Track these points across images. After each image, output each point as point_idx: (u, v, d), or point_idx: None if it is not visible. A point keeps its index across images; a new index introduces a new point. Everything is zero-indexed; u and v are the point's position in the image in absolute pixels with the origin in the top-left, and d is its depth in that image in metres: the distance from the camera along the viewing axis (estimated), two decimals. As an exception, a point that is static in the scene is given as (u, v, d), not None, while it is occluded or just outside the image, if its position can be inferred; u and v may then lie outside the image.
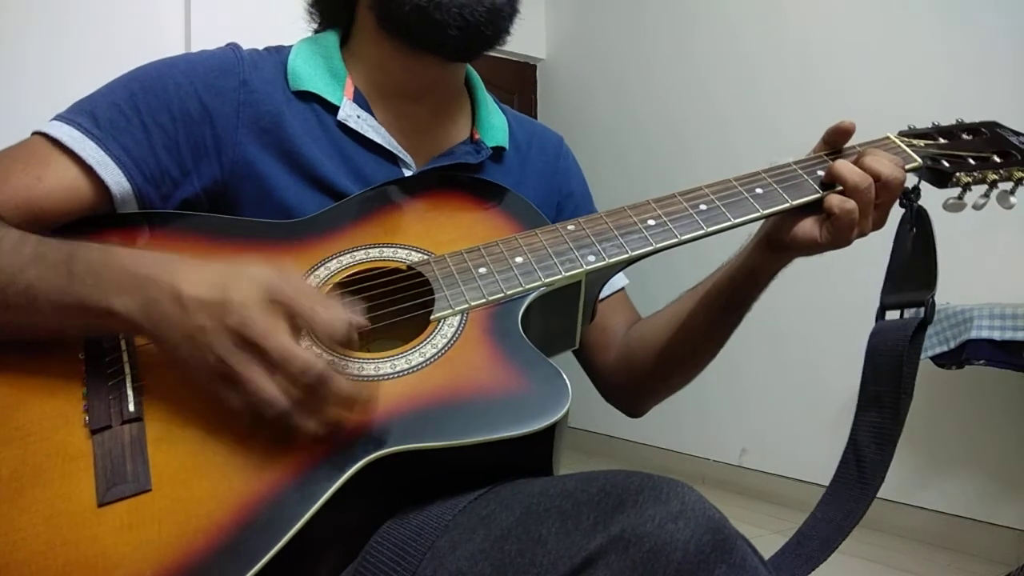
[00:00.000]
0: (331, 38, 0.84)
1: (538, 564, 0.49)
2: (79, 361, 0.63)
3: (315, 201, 0.76)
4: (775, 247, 0.77)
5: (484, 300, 0.67)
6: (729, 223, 0.73)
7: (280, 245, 0.72)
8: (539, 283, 0.69)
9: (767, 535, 2.24)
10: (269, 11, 1.93)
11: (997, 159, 0.80)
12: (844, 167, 0.73)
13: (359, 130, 0.79)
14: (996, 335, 1.87)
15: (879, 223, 0.75)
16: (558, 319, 0.73)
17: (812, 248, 0.75)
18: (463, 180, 0.82)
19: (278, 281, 0.57)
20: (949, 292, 1.91)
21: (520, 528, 0.52)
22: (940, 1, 2.43)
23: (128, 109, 0.73)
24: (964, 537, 2.32)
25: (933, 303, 0.73)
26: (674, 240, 0.72)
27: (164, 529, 0.53)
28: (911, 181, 0.77)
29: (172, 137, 0.73)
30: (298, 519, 0.53)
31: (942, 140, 0.82)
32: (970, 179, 0.79)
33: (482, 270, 0.70)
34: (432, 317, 0.66)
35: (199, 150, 0.74)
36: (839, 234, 0.72)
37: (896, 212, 0.77)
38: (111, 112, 0.72)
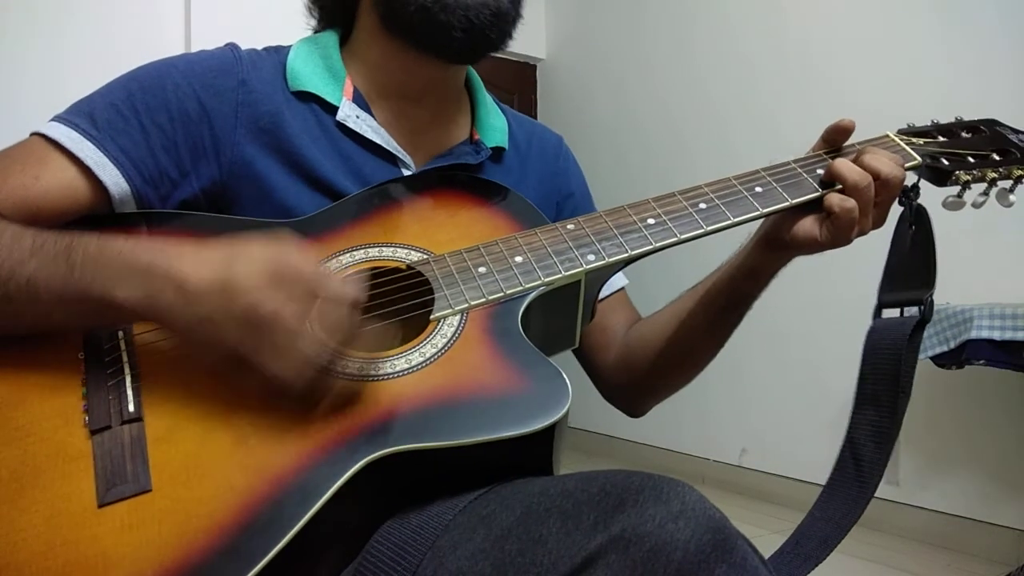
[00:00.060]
0: (330, 38, 0.84)
1: (538, 564, 0.49)
2: (78, 360, 0.63)
3: (314, 201, 0.76)
4: (775, 246, 0.77)
5: (484, 299, 0.67)
6: (729, 222, 0.73)
7: None
8: (539, 282, 0.69)
9: (767, 535, 2.24)
10: (269, 11, 1.93)
11: (996, 157, 0.80)
12: (844, 166, 0.73)
13: (358, 130, 0.79)
14: (996, 335, 1.87)
15: (879, 222, 0.75)
16: (558, 318, 0.73)
17: (812, 247, 0.75)
18: (463, 179, 0.82)
19: (279, 257, 0.58)
20: (949, 292, 1.91)
21: (520, 528, 0.52)
22: (940, 1, 2.43)
23: (126, 110, 0.73)
24: (964, 537, 2.32)
25: (931, 302, 0.73)
26: (674, 239, 0.72)
27: (164, 529, 0.53)
28: (910, 179, 0.77)
29: (170, 138, 0.73)
30: (299, 519, 0.53)
31: (941, 138, 0.82)
32: (969, 177, 0.79)
33: (482, 269, 0.70)
34: (432, 317, 0.66)
35: (198, 150, 0.74)
36: (839, 233, 0.72)
37: (895, 210, 0.77)
38: (109, 113, 0.72)
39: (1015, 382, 2.14)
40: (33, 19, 2.11)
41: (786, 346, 2.78)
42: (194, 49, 0.80)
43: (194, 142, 0.74)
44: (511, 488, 0.59)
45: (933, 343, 2.00)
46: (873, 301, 0.78)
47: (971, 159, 0.80)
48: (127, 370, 0.62)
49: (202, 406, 0.60)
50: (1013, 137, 0.82)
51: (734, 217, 0.73)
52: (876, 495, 0.69)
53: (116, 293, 0.59)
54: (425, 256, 0.72)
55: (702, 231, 0.72)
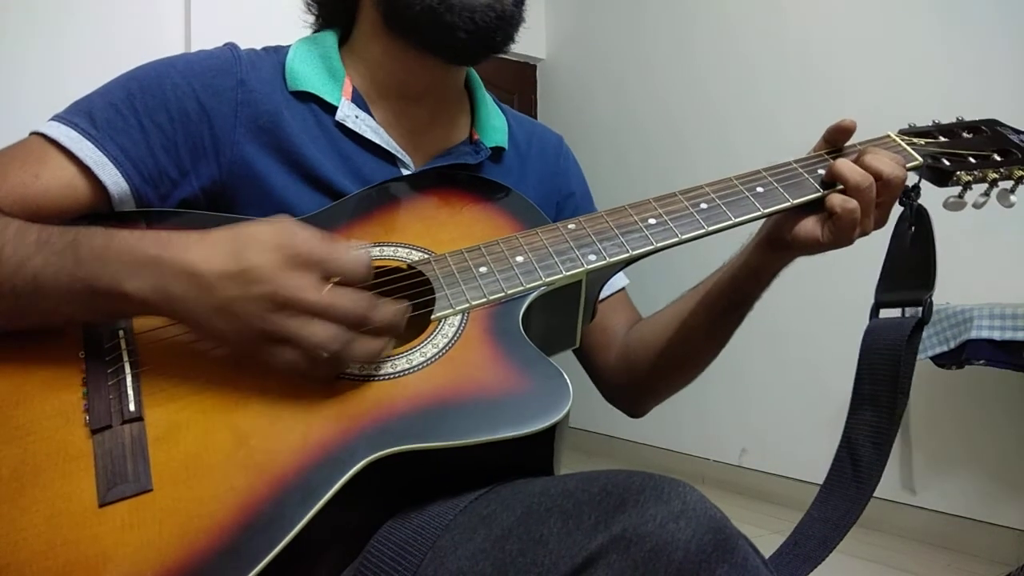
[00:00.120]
0: (330, 38, 0.84)
1: (539, 564, 0.49)
2: (79, 359, 0.63)
3: (314, 200, 0.76)
4: (776, 246, 0.77)
5: (485, 299, 0.67)
6: (730, 222, 0.73)
7: None
8: (540, 282, 0.69)
9: (767, 535, 2.24)
10: (269, 11, 1.93)
11: (997, 157, 0.80)
12: (845, 166, 0.73)
13: (357, 130, 0.79)
14: (996, 335, 1.87)
15: (881, 222, 0.75)
16: (559, 318, 0.73)
17: (814, 247, 0.75)
18: (463, 178, 0.82)
19: (289, 238, 0.59)
20: (949, 292, 1.92)
21: (521, 528, 0.52)
22: (940, 1, 2.43)
23: (126, 109, 0.73)
24: (964, 537, 2.32)
25: (931, 303, 0.73)
26: (675, 239, 0.72)
27: (165, 529, 0.53)
28: (911, 180, 0.77)
29: (170, 137, 0.73)
30: (299, 519, 0.53)
31: (942, 138, 0.82)
32: (970, 178, 0.79)
33: (483, 269, 0.70)
34: (433, 316, 0.66)
35: (197, 150, 0.74)
36: (841, 233, 0.72)
37: (896, 210, 0.77)
38: (109, 112, 0.72)
39: (1015, 382, 2.14)
40: (33, 19, 2.11)
41: (786, 346, 2.78)
42: (194, 49, 0.80)
43: (194, 142, 0.74)
44: (512, 488, 0.59)
45: (933, 343, 2.00)
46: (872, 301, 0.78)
47: (972, 159, 0.80)
48: (128, 369, 0.62)
49: (203, 406, 0.60)
50: (1014, 137, 0.82)
51: (735, 217, 0.73)
52: (876, 495, 0.69)
53: (125, 286, 0.59)
54: (426, 255, 0.72)
55: (703, 231, 0.72)
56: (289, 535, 0.52)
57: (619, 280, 0.93)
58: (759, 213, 0.74)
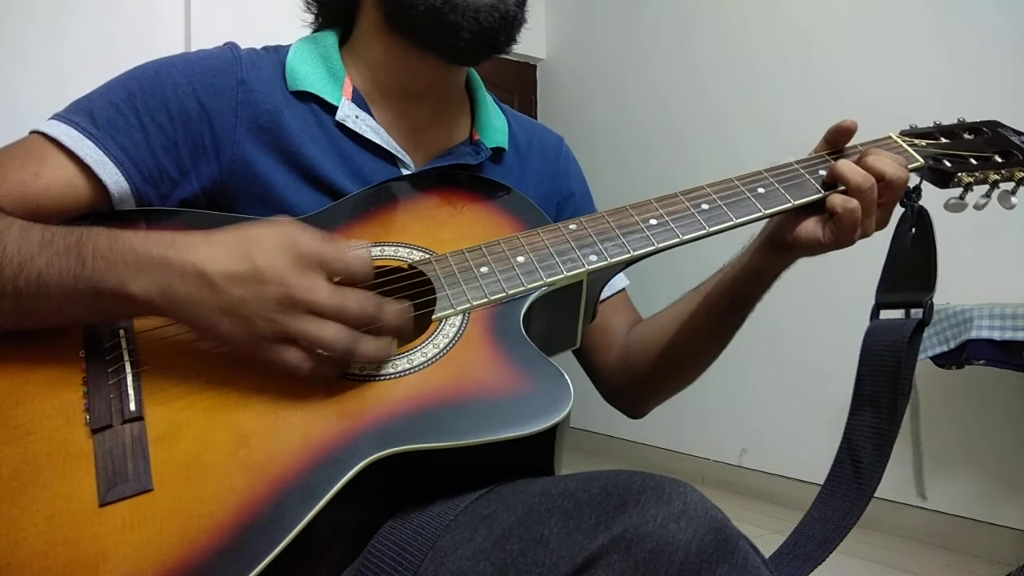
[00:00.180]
0: (330, 38, 0.84)
1: (540, 564, 0.49)
2: (79, 358, 0.63)
3: (314, 200, 0.76)
4: (778, 248, 0.77)
5: (486, 299, 0.67)
6: (731, 223, 0.73)
7: None
8: (541, 282, 0.69)
9: (767, 535, 2.24)
10: (269, 11, 1.93)
11: (999, 159, 0.80)
12: (846, 167, 0.73)
13: (357, 130, 0.79)
14: (996, 335, 1.87)
15: (882, 223, 0.75)
16: (559, 318, 0.73)
17: (815, 248, 0.75)
18: (464, 178, 0.82)
19: (293, 239, 0.59)
20: (949, 292, 1.91)
21: (522, 528, 0.52)
22: (940, 1, 2.43)
23: (126, 109, 0.73)
24: (964, 537, 2.32)
25: (931, 304, 0.73)
26: (676, 240, 0.72)
27: (166, 529, 0.53)
28: (912, 181, 0.77)
29: (170, 137, 0.73)
30: (300, 519, 0.53)
31: (944, 140, 0.82)
32: (972, 179, 0.79)
33: (484, 269, 0.69)
34: (434, 316, 0.66)
35: (197, 150, 0.74)
36: (842, 233, 0.72)
37: (897, 211, 0.77)
38: (109, 111, 0.72)
39: (1015, 382, 2.14)
40: (33, 19, 2.11)
41: (786, 346, 2.78)
42: (194, 49, 0.80)
43: (194, 141, 0.74)
44: (512, 488, 0.59)
45: (933, 343, 2.00)
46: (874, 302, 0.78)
47: (973, 161, 0.80)
48: (128, 368, 0.62)
49: (203, 405, 0.60)
50: (1015, 139, 0.82)
51: (736, 218, 0.73)
52: (877, 495, 0.69)
53: (130, 287, 0.59)
54: (427, 255, 0.72)
55: (704, 232, 0.72)
56: (289, 535, 0.52)
57: (619, 281, 0.93)
58: (760, 214, 0.74)
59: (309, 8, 0.88)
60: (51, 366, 0.62)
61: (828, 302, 2.58)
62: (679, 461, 3.16)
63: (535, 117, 3.65)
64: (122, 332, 0.64)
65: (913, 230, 0.77)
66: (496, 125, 0.88)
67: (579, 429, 3.47)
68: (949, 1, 2.41)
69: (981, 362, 1.92)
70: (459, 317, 0.66)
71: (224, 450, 0.57)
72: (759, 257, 0.79)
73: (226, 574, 0.51)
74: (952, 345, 1.96)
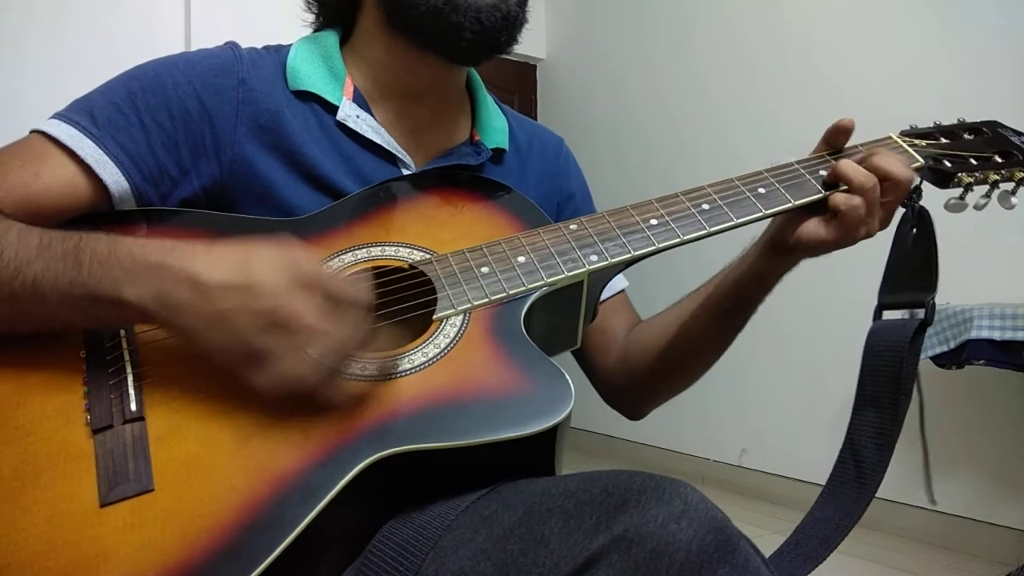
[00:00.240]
0: (330, 37, 0.84)
1: (540, 564, 0.49)
2: (80, 359, 0.63)
3: (315, 200, 0.76)
4: (780, 250, 0.77)
5: (487, 299, 0.67)
6: (732, 223, 0.73)
7: None
8: (542, 283, 0.69)
9: (767, 535, 2.24)
10: (269, 11, 1.93)
11: (999, 159, 0.80)
12: (848, 167, 0.73)
13: (358, 130, 0.79)
14: (996, 335, 1.87)
15: (885, 222, 0.75)
16: (560, 318, 0.73)
17: (818, 248, 0.74)
18: (465, 178, 0.82)
19: (296, 261, 0.59)
20: (949, 292, 1.91)
21: (522, 528, 0.52)
22: (940, 1, 2.43)
23: (127, 108, 0.73)
24: (964, 537, 2.32)
25: (933, 305, 0.73)
26: (676, 240, 0.72)
27: (167, 529, 0.53)
28: (913, 181, 0.77)
29: (171, 136, 0.73)
30: (301, 519, 0.53)
31: (944, 140, 0.82)
32: (972, 179, 0.79)
33: (484, 269, 0.69)
34: (435, 317, 0.66)
35: (198, 149, 0.74)
36: (846, 231, 0.72)
37: (898, 212, 0.77)
38: (109, 111, 0.72)
39: (1015, 382, 2.14)
40: (33, 19, 2.11)
41: (787, 346, 2.78)
42: (194, 49, 0.80)
43: (195, 140, 0.74)
44: (513, 488, 0.59)
45: (933, 343, 2.00)
46: (874, 302, 0.78)
47: (973, 161, 0.80)
48: (129, 369, 0.62)
49: (204, 405, 0.60)
50: (1015, 139, 0.82)
51: (737, 218, 0.73)
52: (878, 496, 0.69)
53: (126, 293, 0.58)
54: (427, 255, 0.72)
55: (705, 232, 0.72)
56: (291, 535, 0.52)
57: (619, 282, 0.93)
58: (761, 214, 0.74)
59: (309, 8, 0.88)
60: (51, 367, 0.62)
61: (828, 303, 2.58)
62: (679, 461, 3.16)
63: (535, 117, 3.66)
64: (123, 333, 0.64)
65: (914, 230, 0.77)
66: (497, 126, 0.88)
67: (579, 429, 3.47)
68: (949, 1, 2.41)
69: (981, 362, 1.92)
70: (460, 317, 0.66)
71: (225, 450, 0.57)
72: (761, 260, 0.79)
73: (227, 574, 0.51)
74: (952, 345, 1.96)
